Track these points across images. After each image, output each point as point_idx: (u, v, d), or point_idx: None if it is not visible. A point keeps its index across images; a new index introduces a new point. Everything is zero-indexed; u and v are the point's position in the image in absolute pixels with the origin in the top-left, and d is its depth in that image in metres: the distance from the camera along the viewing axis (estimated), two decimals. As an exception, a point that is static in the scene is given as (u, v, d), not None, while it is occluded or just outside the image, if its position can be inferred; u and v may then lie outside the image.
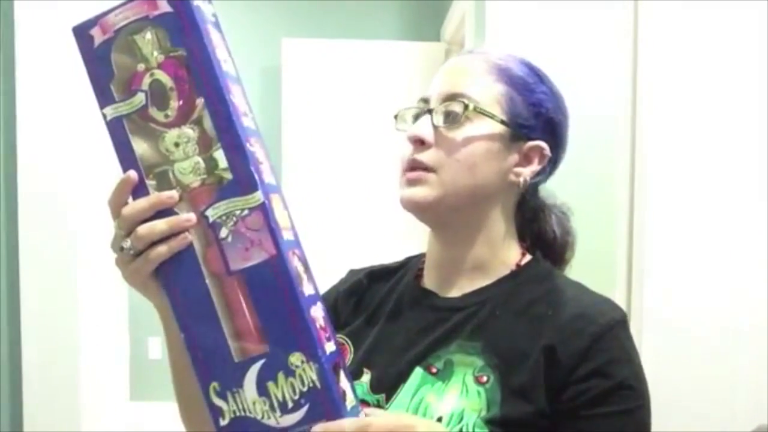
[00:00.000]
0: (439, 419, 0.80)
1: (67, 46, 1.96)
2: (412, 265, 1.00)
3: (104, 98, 0.73)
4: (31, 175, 1.98)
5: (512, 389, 0.81)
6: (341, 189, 4.03)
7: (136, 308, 3.08)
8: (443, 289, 0.93)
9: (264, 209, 0.70)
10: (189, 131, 0.71)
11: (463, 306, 0.90)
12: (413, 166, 0.88)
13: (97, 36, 0.73)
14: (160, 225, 0.70)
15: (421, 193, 0.87)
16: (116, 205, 0.73)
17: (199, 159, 0.71)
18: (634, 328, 0.87)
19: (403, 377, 0.87)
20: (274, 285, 0.70)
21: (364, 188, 4.04)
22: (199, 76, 0.71)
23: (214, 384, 0.71)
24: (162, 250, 0.71)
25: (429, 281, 0.95)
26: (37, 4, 1.96)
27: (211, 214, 0.71)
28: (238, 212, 0.70)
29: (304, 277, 0.73)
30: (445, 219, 0.90)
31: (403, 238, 3.91)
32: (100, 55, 0.73)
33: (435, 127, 0.87)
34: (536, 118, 0.90)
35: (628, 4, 1.87)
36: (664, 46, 1.74)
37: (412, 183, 0.88)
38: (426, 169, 0.87)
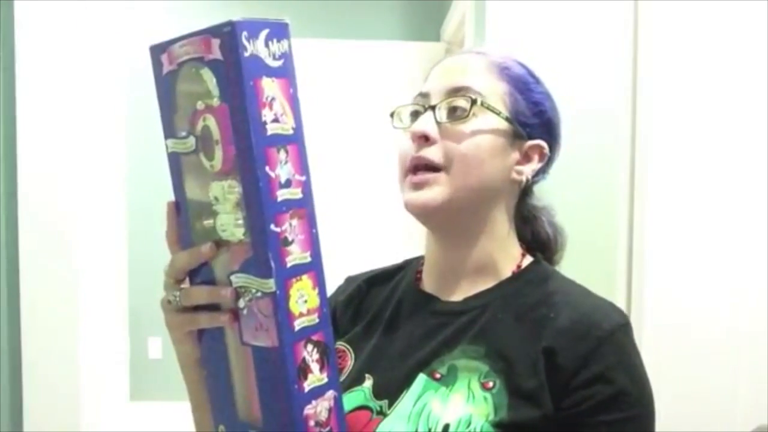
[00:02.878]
0: (446, 426, 0.79)
1: (67, 46, 1.97)
2: (411, 268, 0.99)
3: (167, 129, 0.72)
4: (31, 176, 1.98)
5: (518, 393, 0.80)
6: (340, 189, 4.03)
7: (136, 308, 3.06)
8: (444, 292, 0.92)
9: (275, 299, 0.68)
10: (233, 185, 0.68)
11: (465, 310, 0.88)
12: (417, 164, 0.85)
13: (165, 64, 0.70)
14: (203, 294, 0.74)
15: (428, 195, 0.84)
16: (169, 240, 0.76)
17: (241, 215, 0.68)
18: (634, 329, 0.86)
19: (406, 383, 0.86)
20: (272, 373, 0.70)
21: (364, 189, 4.04)
22: (237, 137, 0.66)
23: (221, 427, 0.77)
24: (203, 319, 0.74)
25: (429, 285, 0.94)
26: (37, 4, 1.96)
27: (234, 281, 0.70)
28: (253, 290, 0.69)
29: (315, 366, 0.72)
30: (451, 221, 0.88)
31: (403, 240, 3.92)
32: (166, 84, 0.71)
33: (438, 123, 0.86)
34: (536, 118, 0.90)
35: (628, 4, 1.87)
36: (664, 45, 1.74)
37: (418, 186, 0.85)
38: (432, 168, 0.85)
